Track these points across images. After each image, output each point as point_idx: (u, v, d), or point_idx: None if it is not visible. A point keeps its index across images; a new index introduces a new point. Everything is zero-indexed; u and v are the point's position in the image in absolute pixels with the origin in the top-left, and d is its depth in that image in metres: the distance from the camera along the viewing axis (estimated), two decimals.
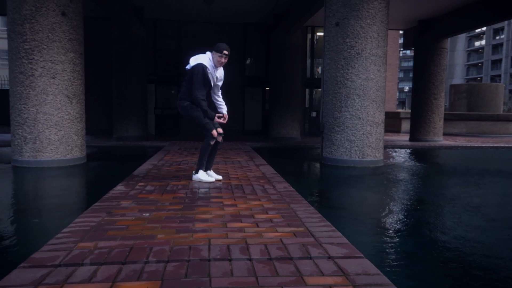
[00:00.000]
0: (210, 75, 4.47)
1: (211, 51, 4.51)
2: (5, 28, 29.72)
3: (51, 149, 7.02)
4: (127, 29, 12.19)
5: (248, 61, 16.08)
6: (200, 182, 4.60)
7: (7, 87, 24.82)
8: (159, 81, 14.95)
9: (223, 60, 4.49)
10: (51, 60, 6.95)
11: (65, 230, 2.73)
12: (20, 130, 6.99)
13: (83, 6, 7.71)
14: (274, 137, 13.55)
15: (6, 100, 13.32)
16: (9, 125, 7.25)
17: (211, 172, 4.77)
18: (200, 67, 4.39)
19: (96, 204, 3.48)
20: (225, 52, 4.43)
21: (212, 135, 4.46)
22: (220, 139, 4.58)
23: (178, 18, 14.51)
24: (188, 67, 4.51)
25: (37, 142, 6.96)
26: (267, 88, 15.50)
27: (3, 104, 16.89)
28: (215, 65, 4.50)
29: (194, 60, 4.47)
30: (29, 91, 6.90)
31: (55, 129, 7.04)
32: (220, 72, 4.65)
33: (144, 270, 2.07)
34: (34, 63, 6.87)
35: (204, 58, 4.46)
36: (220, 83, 4.72)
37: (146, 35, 13.24)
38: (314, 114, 15.79)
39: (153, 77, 14.52)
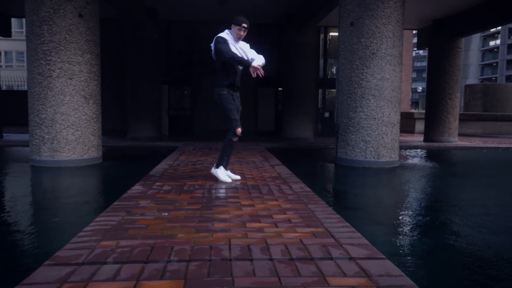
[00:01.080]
0: (233, 47, 4.32)
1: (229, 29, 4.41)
2: (21, 30, 30.30)
3: (68, 149, 7.12)
4: (140, 30, 12.30)
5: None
6: (217, 180, 4.62)
7: (22, 88, 25.29)
8: (173, 82, 15.05)
9: (242, 33, 4.34)
10: (68, 61, 7.05)
11: (86, 228, 2.76)
12: (38, 130, 7.11)
13: (99, 8, 7.81)
14: (287, 138, 13.53)
15: (22, 100, 13.58)
16: (26, 125, 7.38)
17: (228, 172, 4.77)
18: (219, 37, 4.30)
19: (115, 203, 3.51)
20: (244, 25, 4.30)
21: (236, 132, 4.44)
22: (236, 139, 4.59)
23: (191, 19, 14.59)
24: (213, 52, 4.42)
25: (55, 142, 7.06)
26: (279, 89, 15.49)
27: (20, 105, 17.21)
28: (235, 39, 4.38)
29: (213, 41, 4.38)
30: (47, 91, 7.01)
31: (72, 129, 7.14)
32: (244, 46, 4.48)
33: (167, 269, 2.08)
34: (51, 64, 6.98)
35: (222, 33, 4.39)
36: (250, 56, 4.44)
37: (159, 36, 13.34)
38: (327, 114, 15.73)
39: (166, 78, 14.62)
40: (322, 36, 15.77)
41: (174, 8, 12.85)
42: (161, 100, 13.95)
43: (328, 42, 15.97)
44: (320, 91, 15.94)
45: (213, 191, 4.15)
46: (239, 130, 4.45)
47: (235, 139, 4.53)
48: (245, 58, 4.37)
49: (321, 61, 15.95)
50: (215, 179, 4.74)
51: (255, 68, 4.09)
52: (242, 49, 4.46)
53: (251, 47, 4.60)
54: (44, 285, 1.89)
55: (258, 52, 4.54)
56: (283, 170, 5.67)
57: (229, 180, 4.65)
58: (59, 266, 2.11)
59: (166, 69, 15.00)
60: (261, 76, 4.14)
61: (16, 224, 3.83)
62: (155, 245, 2.43)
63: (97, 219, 3.01)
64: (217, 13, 12.63)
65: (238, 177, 4.79)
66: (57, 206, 4.59)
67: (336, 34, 12.36)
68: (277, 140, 12.88)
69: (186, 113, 15.40)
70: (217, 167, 4.68)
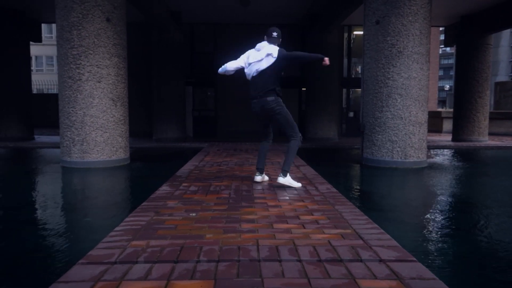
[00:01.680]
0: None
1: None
2: (50, 35, 31.26)
3: (97, 150, 7.30)
4: (165, 33, 12.50)
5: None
6: (242, 180, 4.64)
7: (52, 91, 26.11)
8: (197, 83, 15.21)
9: (279, 41, 4.55)
10: (97, 65, 7.23)
11: (117, 228, 2.82)
12: (68, 132, 7.32)
13: (125, 12, 7.98)
14: (311, 138, 13.45)
15: (51, 103, 13.98)
16: (56, 128, 7.60)
17: (263, 175, 4.74)
18: (282, 49, 4.46)
19: (144, 203, 3.58)
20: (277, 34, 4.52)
21: (300, 137, 4.48)
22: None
23: (214, 21, 14.71)
24: (262, 56, 4.40)
25: (84, 144, 7.26)
26: (303, 89, 15.41)
27: (50, 107, 17.78)
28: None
29: (269, 50, 4.37)
30: (77, 94, 7.21)
31: (101, 131, 7.32)
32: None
33: (197, 269, 2.10)
34: (81, 68, 7.18)
35: (275, 46, 4.48)
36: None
37: (183, 38, 13.52)
38: (351, 114, 15.56)
39: (190, 79, 14.79)
40: (346, 35, 15.60)
41: (197, 11, 12.99)
42: (186, 101, 14.12)
43: (352, 41, 15.79)
44: (344, 90, 15.78)
45: (239, 192, 4.17)
46: (300, 136, 4.57)
47: (300, 145, 4.53)
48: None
49: (345, 60, 15.77)
50: (241, 180, 4.77)
51: (324, 60, 4.47)
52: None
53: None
54: (79, 283, 1.95)
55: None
56: (309, 171, 5.64)
57: (299, 185, 4.39)
58: (93, 265, 2.17)
59: (190, 70, 15.17)
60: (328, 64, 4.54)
61: (50, 224, 3.95)
62: (184, 245, 2.46)
63: (127, 219, 3.08)
64: (240, 14, 12.70)
65: (267, 178, 4.80)
66: (88, 206, 4.72)
67: (361, 32, 12.23)
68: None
69: (210, 114, 15.54)
70: (285, 175, 4.34)
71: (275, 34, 4.48)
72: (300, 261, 2.22)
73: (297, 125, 4.55)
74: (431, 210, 4.71)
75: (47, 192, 5.68)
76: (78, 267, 2.14)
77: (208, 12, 13.10)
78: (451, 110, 16.25)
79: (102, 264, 2.17)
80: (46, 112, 18.50)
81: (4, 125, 12.96)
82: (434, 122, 18.00)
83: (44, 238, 3.50)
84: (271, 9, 12.60)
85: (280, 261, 2.22)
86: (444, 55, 68.76)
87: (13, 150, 10.96)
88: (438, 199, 5.35)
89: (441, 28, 19.76)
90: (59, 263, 2.90)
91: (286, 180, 4.33)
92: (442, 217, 4.40)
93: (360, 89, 9.68)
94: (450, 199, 5.37)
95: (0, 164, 8.78)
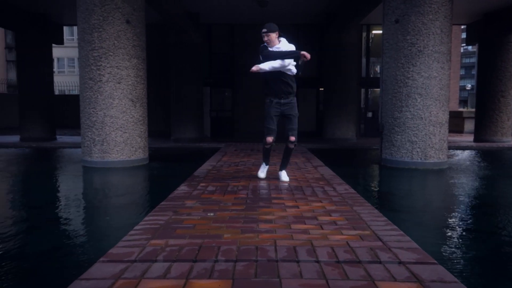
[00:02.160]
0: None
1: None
2: (71, 37, 31.93)
3: (117, 151, 7.42)
4: (183, 34, 12.61)
5: (300, 62, 15.94)
6: (259, 181, 4.72)
7: (73, 92, 26.66)
8: (214, 84, 15.29)
9: (265, 39, 4.49)
10: (116, 66, 7.35)
11: (136, 227, 2.86)
12: (89, 133, 7.46)
13: (144, 14, 8.08)
14: (328, 138, 13.37)
15: (73, 104, 14.29)
16: (76, 128, 7.75)
17: (282, 172, 4.85)
18: (260, 47, 4.55)
19: (163, 203, 3.62)
20: (263, 30, 4.47)
21: (265, 140, 4.62)
22: (291, 146, 4.66)
23: (231, 22, 14.77)
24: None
25: (105, 144, 7.39)
26: (320, 89, 15.32)
27: (71, 108, 18.16)
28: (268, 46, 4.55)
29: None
30: (97, 95, 7.35)
31: (120, 131, 7.43)
32: (283, 46, 4.58)
33: (215, 269, 2.12)
34: (101, 69, 7.31)
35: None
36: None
37: (201, 39, 13.61)
38: (370, 114, 15.38)
39: (208, 80, 14.88)
40: (364, 34, 15.44)
41: (215, 12, 13.06)
42: (203, 101, 14.22)
43: (370, 40, 15.62)
44: (362, 90, 15.61)
45: (257, 192, 4.17)
46: (268, 139, 4.59)
47: (266, 146, 4.70)
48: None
49: (364, 60, 15.61)
50: (258, 180, 4.80)
51: (303, 55, 4.30)
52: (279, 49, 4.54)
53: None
54: (100, 280, 1.98)
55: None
56: (326, 171, 5.61)
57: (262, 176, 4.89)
58: (113, 262, 2.20)
59: (208, 71, 15.26)
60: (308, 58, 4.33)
61: (72, 222, 4.04)
62: (202, 245, 2.48)
63: (146, 218, 3.12)
64: (258, 15, 12.70)
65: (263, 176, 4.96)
66: (108, 205, 4.80)
67: (380, 31, 12.09)
68: (318, 141, 12.75)
69: (227, 115, 15.61)
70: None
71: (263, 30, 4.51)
72: (318, 262, 2.21)
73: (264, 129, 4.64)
74: (452, 212, 4.62)
75: (69, 191, 5.80)
76: (99, 264, 2.18)
77: (226, 13, 13.16)
78: (473, 110, 15.91)
79: (122, 262, 2.20)
80: (67, 112, 18.90)
81: (28, 126, 13.31)
82: (456, 122, 17.65)
83: (66, 236, 3.58)
84: (288, 9, 12.58)
85: (298, 261, 2.21)
86: (466, 54, 67.29)
87: (36, 150, 11.25)
88: (459, 200, 5.24)
89: (462, 26, 19.35)
90: (80, 260, 2.96)
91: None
92: (464, 219, 4.31)
93: (378, 89, 9.56)
94: (471, 201, 5.25)
95: (24, 164, 9.02)
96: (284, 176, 4.79)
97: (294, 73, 4.61)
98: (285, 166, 4.88)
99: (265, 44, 4.51)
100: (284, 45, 4.56)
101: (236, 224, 2.95)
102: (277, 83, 4.55)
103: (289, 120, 4.59)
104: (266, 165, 4.96)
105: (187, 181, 4.78)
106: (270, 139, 4.60)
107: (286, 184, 4.61)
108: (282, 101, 4.57)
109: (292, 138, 4.58)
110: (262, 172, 4.95)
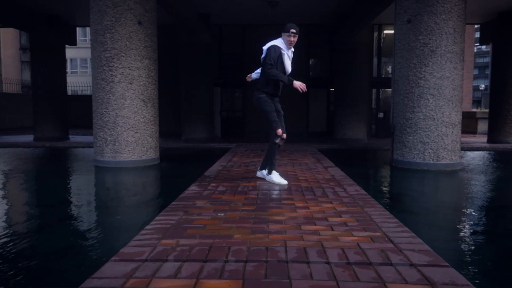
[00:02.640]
0: (286, 56, 4.42)
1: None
2: (84, 38, 32.31)
3: (128, 150, 7.49)
4: (194, 35, 12.67)
5: (311, 62, 15.94)
6: (271, 183, 4.62)
7: (86, 92, 26.98)
8: (225, 84, 15.34)
9: (292, 39, 4.37)
10: (128, 67, 7.42)
11: (148, 227, 2.88)
12: (101, 133, 7.54)
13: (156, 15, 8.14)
14: (339, 139, 13.30)
15: (85, 104, 14.43)
16: (89, 128, 7.84)
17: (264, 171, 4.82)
18: (274, 47, 4.38)
19: (174, 203, 3.64)
20: (292, 30, 4.33)
21: (277, 133, 4.40)
22: (281, 142, 4.53)
23: (242, 22, 14.79)
24: (262, 56, 4.51)
25: (116, 144, 7.46)
26: (331, 89, 15.26)
27: (83, 108, 18.38)
28: (287, 47, 4.45)
29: (266, 46, 4.46)
30: (110, 96, 7.42)
31: (132, 132, 7.50)
32: (291, 53, 4.56)
33: (225, 269, 2.12)
34: (114, 70, 7.38)
35: (276, 41, 4.46)
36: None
37: (212, 39, 13.66)
38: (381, 114, 15.27)
39: (219, 80, 14.92)
40: (376, 34, 15.33)
41: (225, 12, 13.09)
42: (214, 102, 14.27)
43: (382, 40, 15.50)
44: (374, 90, 15.50)
45: (267, 192, 4.17)
46: (279, 131, 4.39)
47: (277, 141, 4.45)
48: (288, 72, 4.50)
49: (375, 60, 15.50)
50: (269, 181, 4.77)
51: (299, 86, 4.26)
52: (291, 57, 4.55)
53: (302, 49, 4.65)
54: (111, 279, 2.00)
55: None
56: (337, 172, 5.58)
57: (285, 182, 4.56)
58: (125, 262, 2.22)
59: (219, 71, 15.32)
60: (304, 91, 4.32)
61: (84, 221, 4.09)
62: (212, 245, 2.49)
63: (157, 218, 3.14)
64: (268, 15, 12.69)
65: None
66: (119, 204, 4.85)
67: (391, 31, 12.00)
68: (329, 141, 12.69)
69: (238, 115, 15.64)
70: (269, 173, 4.63)
71: (283, 29, 4.43)
72: (328, 263, 2.21)
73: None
74: (464, 214, 4.56)
75: (81, 190, 5.87)
76: (110, 263, 2.21)
77: (237, 13, 13.19)
78: (487, 110, 15.69)
79: (133, 262, 2.22)
80: (80, 113, 19.14)
81: (41, 126, 13.50)
82: (469, 123, 17.43)
83: (78, 235, 3.62)
84: (299, 9, 12.55)
85: (308, 263, 2.21)
86: (480, 54, 66.30)
87: (50, 150, 11.41)
88: (472, 202, 5.18)
89: (476, 26, 19.09)
90: (92, 259, 2.99)
91: (270, 177, 4.63)
92: (476, 221, 4.26)
93: (390, 89, 9.49)
94: (484, 203, 5.18)
95: (37, 163, 9.16)
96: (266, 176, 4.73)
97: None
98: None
99: (284, 46, 4.41)
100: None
101: (246, 225, 2.95)
102: (277, 84, 4.54)
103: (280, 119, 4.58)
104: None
105: (198, 181, 4.79)
106: (281, 131, 4.41)
107: (297, 184, 4.61)
108: (276, 99, 4.64)
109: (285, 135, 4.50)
110: (281, 178, 4.63)
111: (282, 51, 4.39)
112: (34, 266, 2.91)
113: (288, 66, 4.48)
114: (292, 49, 4.55)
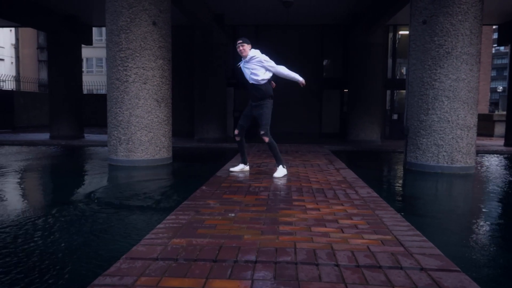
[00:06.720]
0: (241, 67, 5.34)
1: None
2: (100, 38, 32.74)
3: (142, 150, 7.58)
4: (208, 35, 12.74)
5: (325, 63, 15.88)
6: (282, 183, 4.67)
7: (101, 91, 27.34)
8: (238, 84, 15.36)
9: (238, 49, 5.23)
10: (143, 67, 7.50)
11: (159, 226, 2.92)
12: (115, 132, 7.64)
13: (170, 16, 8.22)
14: (352, 140, 13.22)
15: (100, 103, 14.60)
16: (103, 127, 7.95)
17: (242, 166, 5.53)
18: (265, 57, 5.32)
19: (185, 202, 3.68)
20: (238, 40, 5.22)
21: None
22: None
23: (256, 22, 14.82)
24: (251, 69, 5.36)
25: (130, 143, 7.55)
26: (345, 90, 15.18)
27: (99, 107, 18.63)
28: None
29: (249, 56, 5.25)
30: (124, 95, 7.52)
31: (145, 131, 7.58)
32: (249, 65, 5.28)
33: (234, 269, 2.14)
34: (128, 70, 7.47)
35: (257, 51, 5.32)
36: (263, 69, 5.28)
37: (225, 40, 13.71)
38: (395, 116, 15.12)
39: (232, 80, 14.96)
40: (390, 35, 15.20)
41: (239, 13, 13.13)
42: (227, 102, 14.32)
43: (397, 41, 15.36)
44: (388, 92, 15.37)
45: (278, 193, 4.18)
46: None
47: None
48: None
49: (390, 61, 15.36)
50: (279, 182, 4.79)
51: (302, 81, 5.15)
52: (249, 67, 5.41)
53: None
54: (123, 277, 2.04)
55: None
56: (349, 174, 5.56)
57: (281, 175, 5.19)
58: (136, 260, 2.26)
59: (232, 71, 15.36)
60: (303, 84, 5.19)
61: (96, 219, 4.15)
62: (223, 245, 2.51)
63: (169, 217, 3.17)
64: (282, 16, 12.69)
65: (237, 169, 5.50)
66: (132, 203, 4.91)
67: (406, 32, 11.86)
68: (342, 143, 12.63)
69: None
70: (284, 166, 5.31)
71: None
72: (337, 265, 2.21)
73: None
74: (477, 218, 4.50)
75: (95, 189, 5.95)
76: (122, 261, 2.24)
77: (250, 13, 13.22)
78: (504, 112, 15.40)
79: (145, 260, 2.26)
80: (95, 111, 19.39)
81: (57, 124, 13.74)
82: (485, 126, 17.14)
83: (91, 233, 3.68)
84: (313, 9, 12.52)
85: (317, 265, 2.21)
86: (498, 55, 65.09)
87: (65, 148, 11.60)
88: (486, 206, 5.10)
89: (494, 27, 18.77)
90: (103, 257, 3.04)
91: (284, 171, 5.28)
92: (489, 226, 4.19)
93: (404, 91, 9.40)
94: (498, 207, 5.10)
95: (52, 161, 9.32)
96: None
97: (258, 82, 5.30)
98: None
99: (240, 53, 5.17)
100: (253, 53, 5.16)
101: (257, 225, 2.96)
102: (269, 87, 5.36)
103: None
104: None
105: (209, 181, 4.83)
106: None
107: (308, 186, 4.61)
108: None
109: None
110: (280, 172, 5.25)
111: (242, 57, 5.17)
112: (49, 262, 2.97)
113: (246, 75, 5.34)
114: (252, 62, 5.20)
